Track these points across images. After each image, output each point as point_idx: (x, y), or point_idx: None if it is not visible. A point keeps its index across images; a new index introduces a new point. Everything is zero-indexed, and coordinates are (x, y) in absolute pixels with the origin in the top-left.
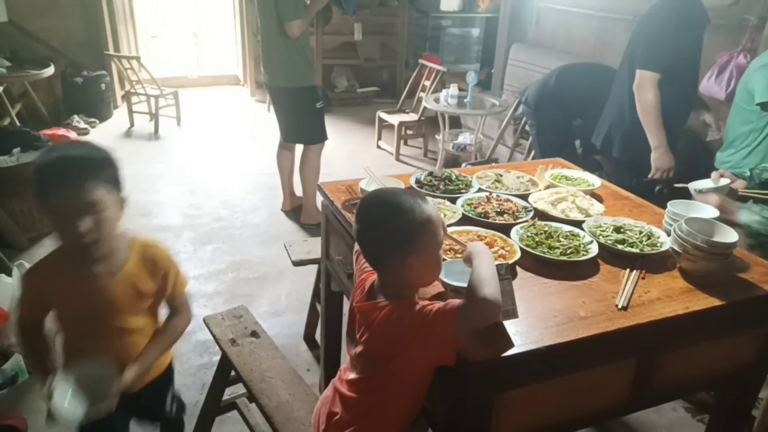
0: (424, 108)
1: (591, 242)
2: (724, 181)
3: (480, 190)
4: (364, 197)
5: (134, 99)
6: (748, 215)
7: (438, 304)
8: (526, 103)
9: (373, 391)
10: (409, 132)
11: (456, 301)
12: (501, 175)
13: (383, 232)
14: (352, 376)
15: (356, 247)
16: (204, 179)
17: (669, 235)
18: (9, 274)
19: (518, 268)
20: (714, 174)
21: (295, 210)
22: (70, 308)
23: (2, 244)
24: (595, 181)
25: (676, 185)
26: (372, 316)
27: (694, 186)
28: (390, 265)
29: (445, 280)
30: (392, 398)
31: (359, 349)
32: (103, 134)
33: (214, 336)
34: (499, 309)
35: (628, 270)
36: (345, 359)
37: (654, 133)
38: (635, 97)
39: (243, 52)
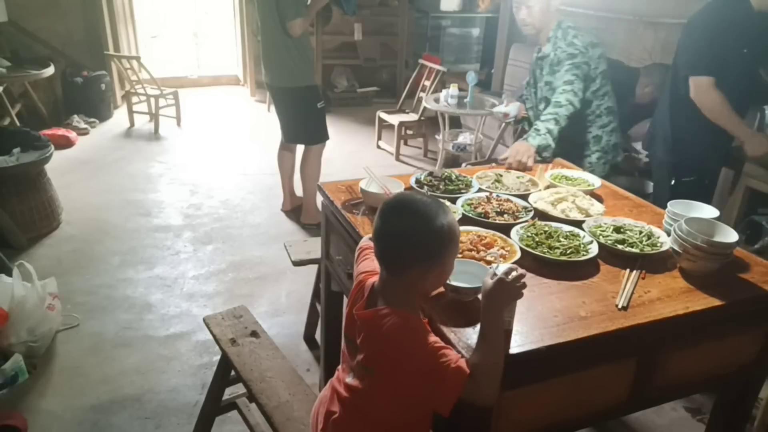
0: (424, 108)
1: (591, 242)
2: (514, 105)
3: (480, 190)
4: (394, 197)
5: (134, 99)
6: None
7: (448, 356)
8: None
9: (370, 420)
10: (409, 132)
11: (466, 369)
12: (501, 175)
13: (410, 241)
14: (349, 380)
15: (358, 246)
16: (204, 179)
17: (669, 235)
18: (9, 274)
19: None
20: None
21: (295, 210)
22: None
23: (2, 244)
24: (595, 181)
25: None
26: (374, 323)
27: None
28: (408, 275)
29: None
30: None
31: (360, 357)
32: (103, 134)
33: (214, 336)
34: (496, 396)
35: (628, 270)
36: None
37: (735, 130)
38: (699, 106)
39: (243, 52)
